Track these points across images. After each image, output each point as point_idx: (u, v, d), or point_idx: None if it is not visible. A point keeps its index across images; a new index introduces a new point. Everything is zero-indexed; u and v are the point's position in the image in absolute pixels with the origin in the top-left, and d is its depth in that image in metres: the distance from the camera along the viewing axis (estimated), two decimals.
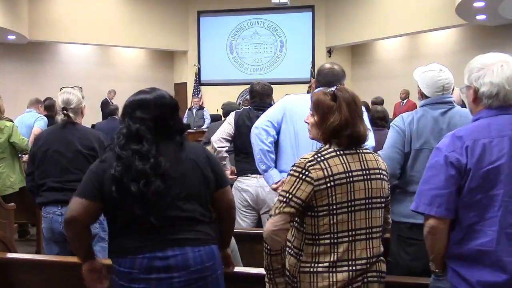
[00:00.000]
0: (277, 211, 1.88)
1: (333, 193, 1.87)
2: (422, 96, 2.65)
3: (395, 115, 9.49)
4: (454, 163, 1.73)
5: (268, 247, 1.91)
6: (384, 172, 2.00)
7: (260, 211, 3.74)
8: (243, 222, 3.73)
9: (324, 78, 3.05)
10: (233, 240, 2.78)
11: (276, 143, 3.07)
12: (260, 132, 3.02)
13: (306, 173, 1.88)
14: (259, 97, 3.95)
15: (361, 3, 12.38)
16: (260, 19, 13.69)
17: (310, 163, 1.89)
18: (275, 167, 3.06)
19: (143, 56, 14.43)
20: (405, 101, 10.42)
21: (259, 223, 3.83)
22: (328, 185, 1.86)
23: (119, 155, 1.91)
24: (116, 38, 12.88)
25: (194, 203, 1.96)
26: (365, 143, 2.02)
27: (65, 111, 3.07)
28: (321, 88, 2.94)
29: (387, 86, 11.91)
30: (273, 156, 3.03)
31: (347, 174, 1.89)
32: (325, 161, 1.89)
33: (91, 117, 9.88)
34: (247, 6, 13.41)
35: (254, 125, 3.09)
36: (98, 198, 1.92)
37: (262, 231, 3.17)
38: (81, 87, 3.14)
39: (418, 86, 2.66)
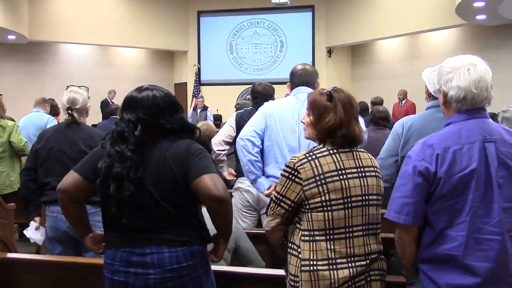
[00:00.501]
0: (270, 212, 2.01)
1: (326, 191, 1.90)
2: (430, 96, 2.64)
3: (393, 116, 9.49)
4: (422, 172, 1.75)
5: (269, 241, 2.11)
6: (378, 170, 2.05)
7: (261, 212, 3.74)
8: (243, 223, 3.72)
9: (298, 79, 3.09)
10: (244, 237, 2.82)
11: (261, 150, 3.11)
12: (246, 143, 3.05)
13: (296, 173, 1.94)
14: (261, 98, 3.94)
15: (361, 3, 12.38)
16: (260, 19, 13.69)
17: (299, 163, 1.94)
18: (263, 173, 3.10)
19: (143, 56, 14.43)
20: (403, 102, 10.41)
21: (259, 224, 3.82)
22: (319, 183, 1.91)
23: (109, 152, 1.98)
24: (116, 38, 12.88)
25: (173, 205, 1.96)
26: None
27: (69, 111, 3.06)
28: (300, 87, 2.98)
29: (387, 86, 11.90)
30: (260, 164, 3.08)
31: (340, 172, 1.93)
32: (315, 160, 1.94)
33: (91, 117, 9.82)
34: (247, 6, 13.41)
35: (239, 136, 3.12)
36: (90, 179, 2.02)
37: (262, 231, 3.19)
38: (87, 87, 3.18)
39: (426, 87, 2.67)
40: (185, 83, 14.06)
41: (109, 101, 11.55)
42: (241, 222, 3.68)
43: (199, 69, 13.75)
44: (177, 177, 1.94)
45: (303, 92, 3.00)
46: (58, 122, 5.84)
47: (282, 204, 1.97)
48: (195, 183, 1.91)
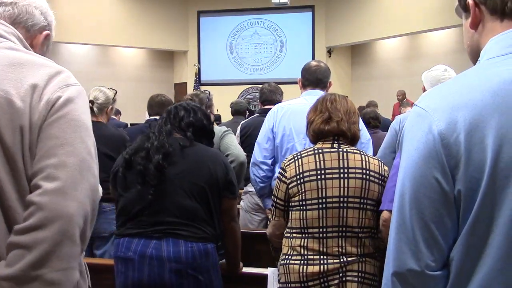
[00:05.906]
0: (271, 217, 2.11)
1: (303, 190, 1.95)
2: None
3: (394, 116, 9.49)
4: None
5: (272, 245, 2.17)
6: (373, 174, 1.97)
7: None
8: (251, 224, 3.82)
9: (312, 76, 3.00)
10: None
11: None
12: (255, 171, 3.03)
13: (283, 172, 2.03)
14: (269, 99, 4.06)
15: (361, 3, 12.38)
16: (260, 19, 13.68)
17: (287, 162, 2.03)
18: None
19: (143, 56, 14.43)
20: (403, 101, 10.38)
21: (266, 225, 3.90)
22: (299, 181, 1.96)
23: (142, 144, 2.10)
24: (116, 38, 12.88)
25: (198, 200, 1.97)
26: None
27: (90, 104, 3.10)
28: (311, 90, 2.95)
29: (387, 86, 11.90)
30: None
31: (319, 172, 1.95)
32: (299, 159, 2.00)
33: None
34: (247, 6, 13.40)
35: (251, 160, 3.09)
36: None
37: (261, 231, 3.21)
38: (115, 90, 3.24)
39: (423, 86, 2.73)
40: (185, 83, 14.06)
41: None
42: (249, 225, 3.79)
43: (199, 69, 13.74)
44: (212, 175, 2.02)
45: (314, 95, 2.98)
46: None
47: (277, 205, 2.05)
48: (232, 200, 2.12)
